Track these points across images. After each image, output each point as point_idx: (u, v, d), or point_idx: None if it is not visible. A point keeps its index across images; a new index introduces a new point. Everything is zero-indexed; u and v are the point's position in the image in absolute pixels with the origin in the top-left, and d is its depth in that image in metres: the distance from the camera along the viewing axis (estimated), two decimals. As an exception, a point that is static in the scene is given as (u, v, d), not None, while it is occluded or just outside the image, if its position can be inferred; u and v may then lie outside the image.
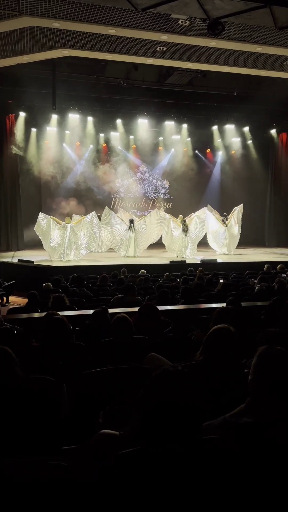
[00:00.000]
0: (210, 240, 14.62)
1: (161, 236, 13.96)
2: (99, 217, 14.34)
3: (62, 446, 2.00)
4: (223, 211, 16.01)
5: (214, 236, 14.53)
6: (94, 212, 13.23)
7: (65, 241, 12.70)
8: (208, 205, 14.66)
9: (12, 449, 2.01)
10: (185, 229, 13.70)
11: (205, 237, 14.63)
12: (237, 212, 14.52)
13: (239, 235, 14.58)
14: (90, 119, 15.63)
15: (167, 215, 14.06)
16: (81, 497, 1.38)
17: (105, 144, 16.94)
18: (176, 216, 14.34)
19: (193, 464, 1.35)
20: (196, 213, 14.23)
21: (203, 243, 14.73)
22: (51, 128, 15.47)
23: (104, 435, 1.67)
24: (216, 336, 2.40)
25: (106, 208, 13.65)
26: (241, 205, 14.60)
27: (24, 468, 1.42)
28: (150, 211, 17.91)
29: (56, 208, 15.74)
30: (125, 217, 14.12)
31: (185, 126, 16.78)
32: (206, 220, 14.14)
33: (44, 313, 4.20)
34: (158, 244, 14.42)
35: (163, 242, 13.96)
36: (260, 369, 1.63)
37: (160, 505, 1.31)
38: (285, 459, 1.43)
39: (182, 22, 7.97)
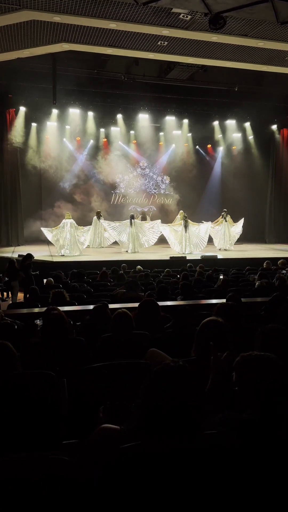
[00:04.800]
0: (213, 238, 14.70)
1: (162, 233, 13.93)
2: (99, 215, 14.43)
3: (62, 441, 2.01)
4: (224, 206, 15.99)
5: (215, 233, 14.63)
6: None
7: (66, 237, 12.74)
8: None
9: (12, 444, 2.02)
10: (186, 225, 13.68)
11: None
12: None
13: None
14: (90, 114, 15.57)
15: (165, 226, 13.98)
16: (82, 491, 1.39)
17: (105, 139, 16.87)
18: (177, 213, 14.35)
19: (193, 458, 1.36)
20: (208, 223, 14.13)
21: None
22: (52, 123, 15.42)
23: (105, 430, 1.68)
24: (205, 329, 2.41)
25: None
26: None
27: (25, 463, 1.43)
28: (151, 207, 17.96)
29: (55, 203, 15.74)
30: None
31: (186, 121, 16.72)
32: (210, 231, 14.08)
33: (45, 308, 4.20)
34: (158, 241, 14.41)
35: (168, 241, 13.86)
36: (244, 375, 1.65)
37: (160, 500, 1.32)
38: (285, 455, 1.43)
39: (183, 16, 7.92)
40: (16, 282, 9.00)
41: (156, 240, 13.83)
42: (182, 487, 1.32)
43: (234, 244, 14.75)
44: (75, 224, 13.02)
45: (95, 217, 14.60)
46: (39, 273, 9.49)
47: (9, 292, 9.54)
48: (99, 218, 14.59)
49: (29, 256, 9.17)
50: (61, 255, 12.52)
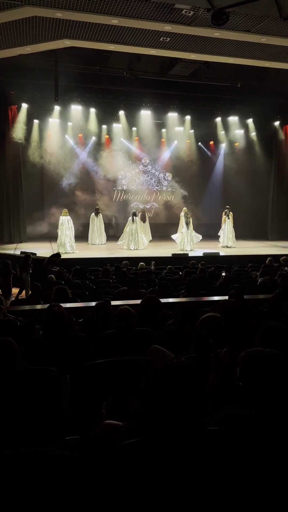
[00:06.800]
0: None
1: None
2: (97, 211, 14.42)
3: (65, 436, 2.02)
4: (226, 203, 15.97)
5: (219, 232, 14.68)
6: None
7: (67, 234, 12.75)
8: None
9: (15, 440, 2.03)
10: (188, 222, 13.66)
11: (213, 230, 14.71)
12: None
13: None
14: (92, 110, 15.52)
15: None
16: (84, 487, 1.40)
17: (107, 136, 16.83)
18: (179, 210, 14.32)
19: (195, 455, 1.36)
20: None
21: (205, 236, 14.71)
22: (54, 119, 15.39)
23: (108, 426, 1.69)
24: (203, 326, 2.41)
25: None
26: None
27: (28, 459, 1.43)
28: (153, 204, 17.92)
29: (58, 200, 15.73)
30: None
31: (188, 118, 16.66)
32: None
33: (47, 305, 4.21)
34: (160, 237, 14.41)
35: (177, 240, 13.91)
36: (248, 371, 1.65)
37: (162, 497, 1.32)
38: (285, 451, 1.43)
39: (186, 12, 7.87)
40: (26, 275, 9.24)
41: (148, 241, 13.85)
42: (183, 484, 1.32)
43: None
44: (71, 222, 13.06)
45: (92, 214, 14.59)
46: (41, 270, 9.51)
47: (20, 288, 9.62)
48: (97, 215, 14.58)
49: (58, 254, 9.67)
50: (66, 252, 12.52)
